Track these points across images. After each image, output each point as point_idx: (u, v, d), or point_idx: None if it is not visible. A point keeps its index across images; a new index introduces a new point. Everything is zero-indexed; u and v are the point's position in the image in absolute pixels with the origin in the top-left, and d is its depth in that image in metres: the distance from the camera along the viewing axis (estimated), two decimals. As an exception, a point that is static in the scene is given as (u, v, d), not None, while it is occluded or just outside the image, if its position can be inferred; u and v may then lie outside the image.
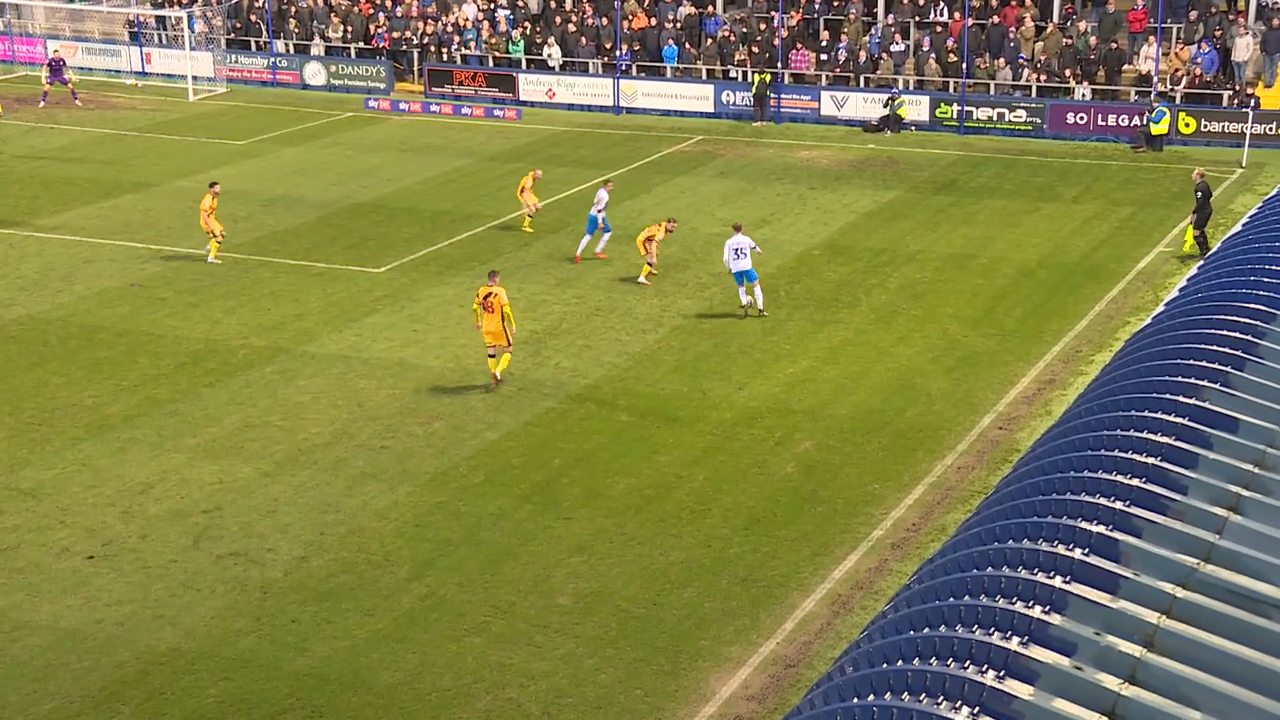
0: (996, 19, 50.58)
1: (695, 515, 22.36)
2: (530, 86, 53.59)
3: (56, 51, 55.38)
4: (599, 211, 34.70)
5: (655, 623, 19.32)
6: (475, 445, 24.82)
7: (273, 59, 57.05)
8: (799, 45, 52.53)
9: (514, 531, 21.86)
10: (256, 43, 58.08)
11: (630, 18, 54.38)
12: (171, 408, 26.11)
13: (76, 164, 43.83)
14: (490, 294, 26.54)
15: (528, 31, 55.04)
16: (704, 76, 53.15)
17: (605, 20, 54.51)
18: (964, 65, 49.48)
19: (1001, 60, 50.02)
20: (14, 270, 33.78)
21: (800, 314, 31.34)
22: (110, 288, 32.66)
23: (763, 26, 52.97)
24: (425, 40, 56.05)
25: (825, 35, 52.16)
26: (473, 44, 55.18)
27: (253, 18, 58.34)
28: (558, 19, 55.27)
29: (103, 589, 20.12)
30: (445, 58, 55.44)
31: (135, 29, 59.74)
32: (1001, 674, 7.93)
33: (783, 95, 51.19)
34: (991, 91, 49.91)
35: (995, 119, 48.75)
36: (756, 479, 23.60)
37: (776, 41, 51.87)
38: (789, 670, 18.25)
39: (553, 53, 53.97)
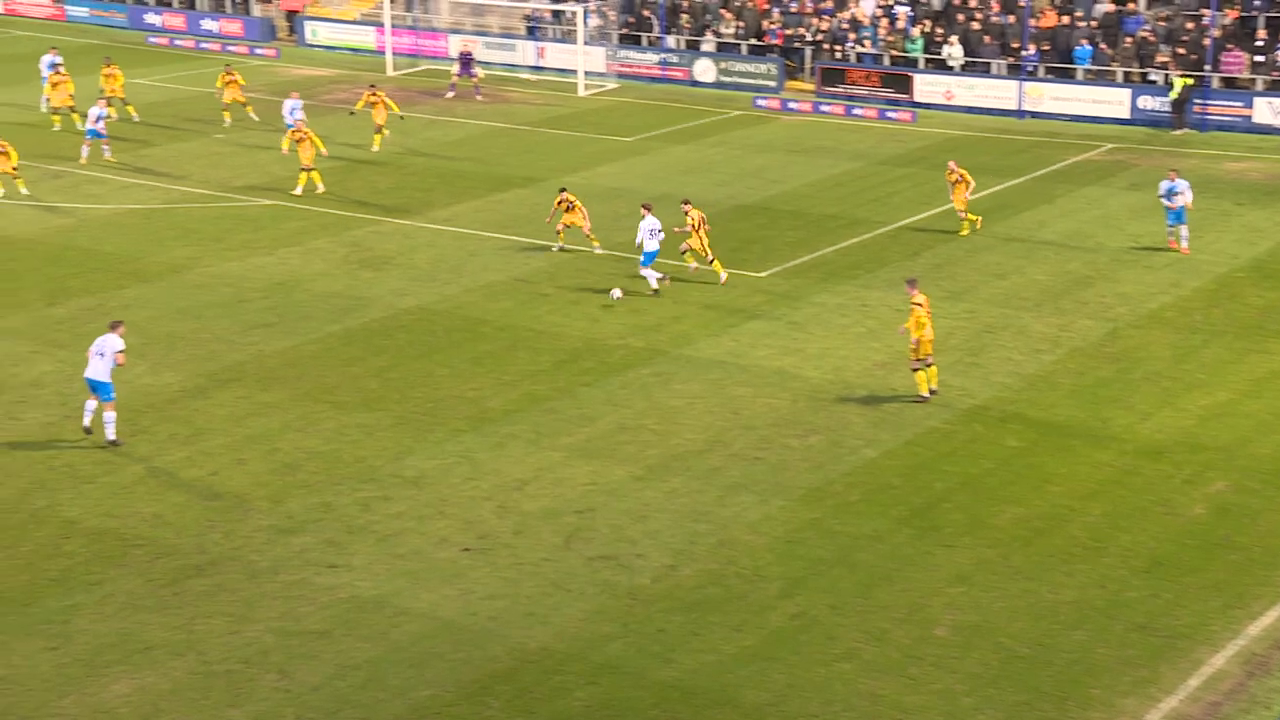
0: None
1: (1089, 553, 20.91)
2: (927, 87, 51.98)
3: (466, 45, 57.23)
4: None
5: (1041, 665, 18.26)
6: (853, 462, 23.91)
7: (663, 55, 57.47)
8: (1230, 45, 49.05)
9: (890, 555, 20.95)
10: (648, 38, 58.65)
11: (1039, 15, 52.00)
12: (549, 405, 26.19)
13: (469, 158, 45.05)
14: (917, 304, 25.91)
15: (928, 29, 53.40)
16: (1119, 80, 50.24)
17: (1012, 18, 52.33)
18: None
19: None
20: (408, 260, 34.86)
21: (1219, 341, 29.10)
22: (495, 281, 33.23)
23: (1190, 25, 49.64)
24: (819, 37, 55.25)
25: (1263, 35, 48.46)
26: (868, 42, 54.01)
27: (645, 13, 58.94)
28: (960, 16, 53.40)
29: (478, 582, 20.24)
30: (839, 55, 54.49)
31: (532, 23, 61.31)
32: None
33: (1209, 101, 47.90)
34: None
35: None
36: (1160, 518, 21.92)
37: (1206, 42, 48.53)
38: (1193, 735, 16.66)
39: (953, 52, 52.18)
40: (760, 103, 52.86)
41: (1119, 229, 36.76)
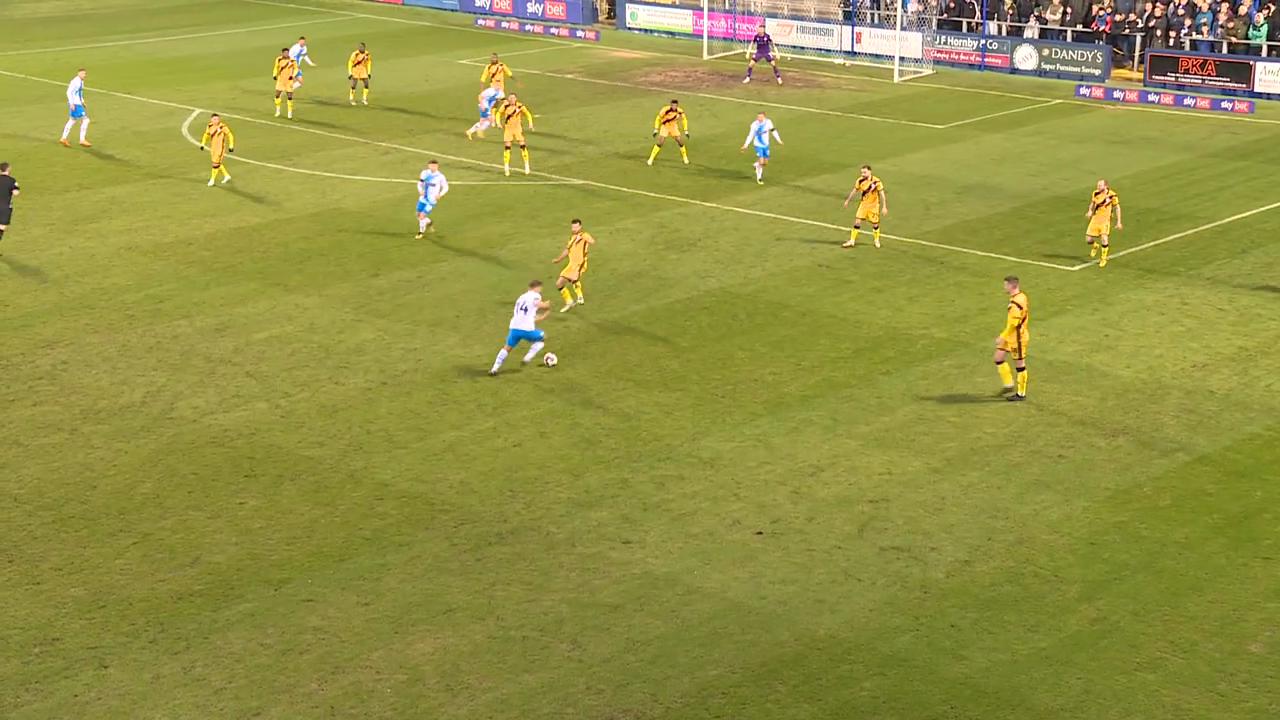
0: None
1: None
2: (1269, 76, 49.32)
3: (762, 27, 57.17)
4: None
5: (1363, 691, 17.11)
6: (1164, 466, 22.94)
7: (983, 41, 56.19)
8: None
9: (1201, 564, 20.07)
10: (968, 24, 57.44)
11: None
12: (847, 392, 25.98)
13: (814, 141, 44.82)
14: (1016, 303, 24.91)
15: (1274, 14, 50.54)
16: None
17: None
18: None
19: None
20: (713, 243, 35.08)
21: None
22: (799, 267, 33.15)
23: None
24: (1152, 24, 53.04)
25: None
26: (1206, 28, 51.54)
27: (967, -1, 57.77)
28: (1312, 0, 50.49)
29: (768, 565, 20.27)
30: (1172, 43, 52.20)
31: (850, 8, 60.81)
32: None
33: None
34: None
35: None
36: None
37: None
38: None
39: (1301, 38, 49.38)
40: (1083, 91, 51.13)
41: None
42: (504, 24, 67.56)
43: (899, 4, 55.89)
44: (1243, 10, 51.45)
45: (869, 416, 25.08)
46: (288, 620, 19.04)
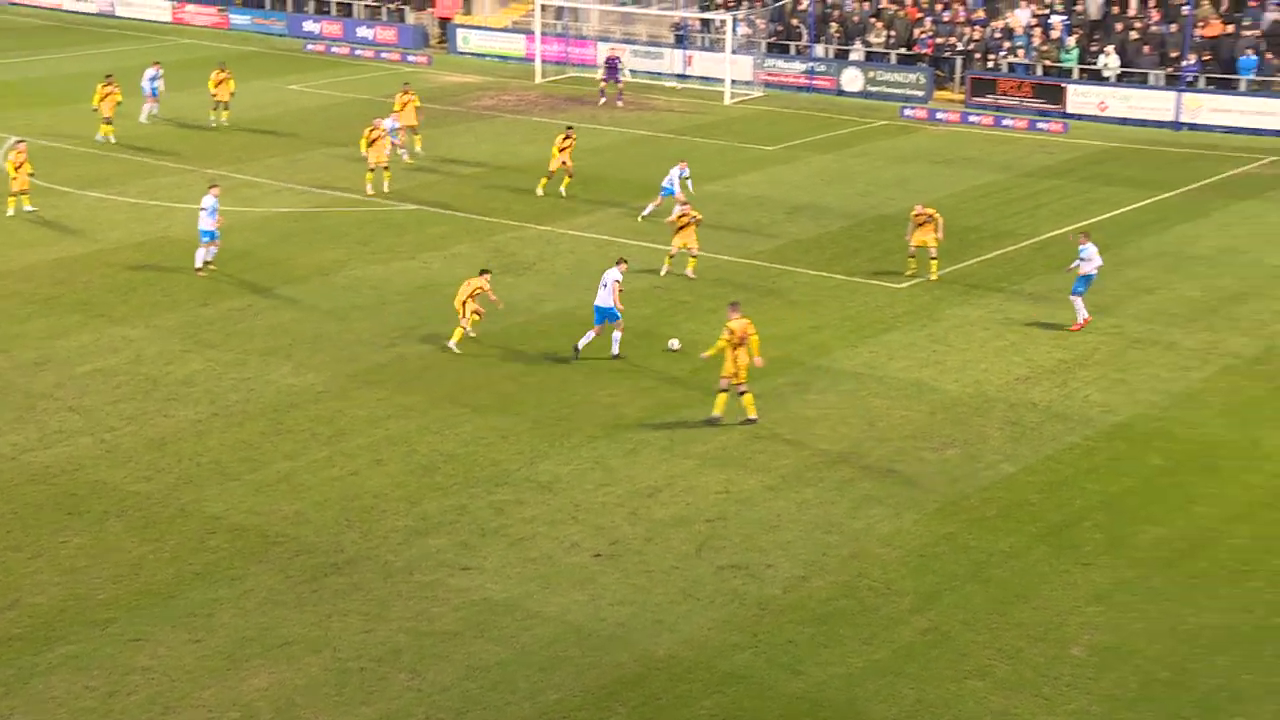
0: None
1: (1236, 576, 20.42)
2: (1080, 98, 51.03)
3: (613, 50, 57.40)
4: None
5: (1182, 689, 17.88)
6: (990, 477, 23.55)
7: (810, 63, 57.21)
8: None
9: (1026, 572, 20.64)
10: (796, 47, 58.43)
11: (1202, 24, 50.64)
12: (684, 413, 26.21)
13: (612, 165, 45.21)
14: (737, 329, 24.99)
15: (1083, 39, 52.35)
16: (1286, 90, 48.88)
17: (1174, 27, 51.06)
18: None
19: None
20: (549, 266, 35.13)
21: (1376, 361, 28.17)
22: (634, 289, 33.23)
23: (1365, 33, 48.12)
24: (971, 46, 54.52)
25: None
26: (1021, 51, 53.15)
27: (794, 21, 58.73)
28: (1119, 26, 52.31)
29: (607, 587, 20.33)
30: (991, 65, 53.72)
31: (680, 31, 61.44)
32: None
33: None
34: None
35: None
36: (1311, 543, 21.22)
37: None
38: (1340, 769, 16.10)
39: (1109, 62, 51.14)
40: (907, 112, 52.35)
41: (1277, 244, 35.68)
42: (334, 49, 66.91)
43: (728, 28, 56.66)
44: (1055, 34, 53.19)
45: (705, 436, 25.30)
46: (114, 661, 18.54)
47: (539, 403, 26.83)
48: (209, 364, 28.67)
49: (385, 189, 41.15)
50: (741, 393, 25.48)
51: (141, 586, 20.37)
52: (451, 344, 29.26)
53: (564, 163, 40.63)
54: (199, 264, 34.09)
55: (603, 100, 54.55)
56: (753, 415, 25.60)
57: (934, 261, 33.37)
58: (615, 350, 28.56)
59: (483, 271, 29.60)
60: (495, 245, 36.80)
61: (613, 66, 54.76)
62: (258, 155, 46.26)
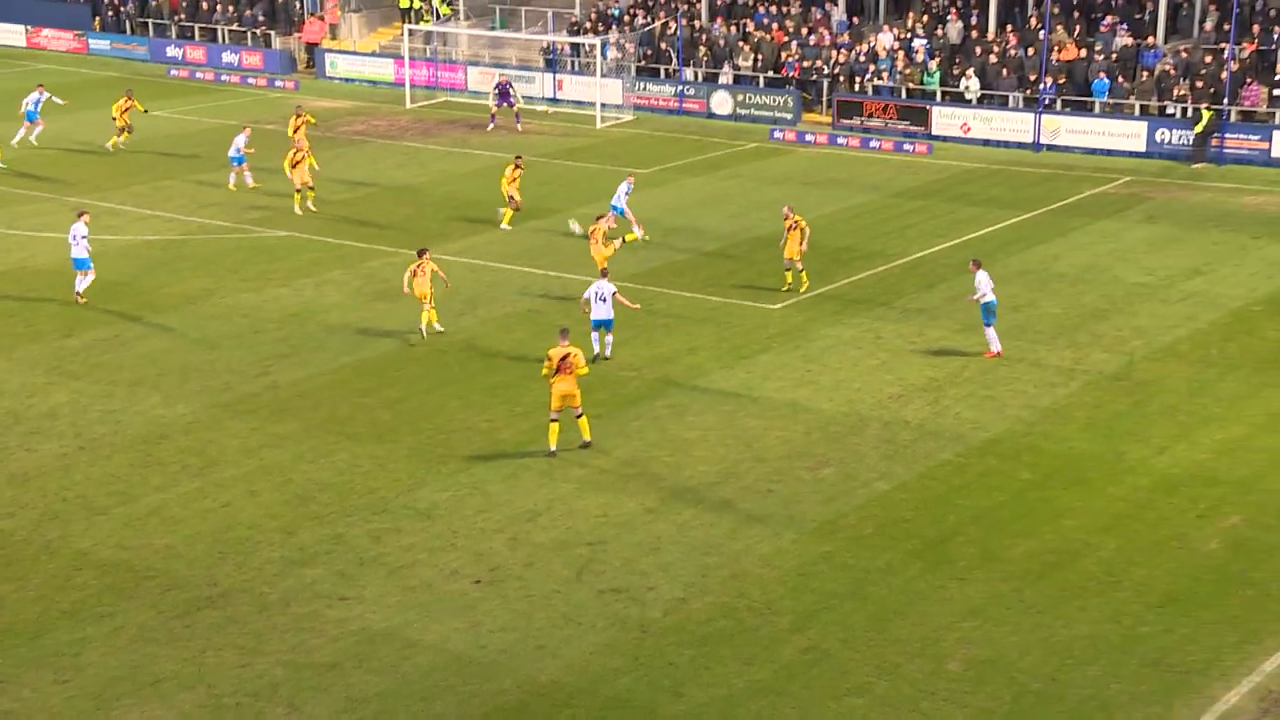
0: None
1: (1103, 587, 20.81)
2: (944, 120, 51.97)
3: (504, 75, 57.12)
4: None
5: (1053, 700, 18.15)
6: (866, 495, 23.83)
7: (680, 86, 57.61)
8: (1249, 79, 48.93)
9: (903, 589, 20.87)
10: (666, 70, 58.81)
11: (1058, 48, 51.93)
12: (562, 437, 26.15)
13: (485, 189, 45.05)
14: (568, 355, 24.99)
15: (944, 62, 53.38)
16: (1137, 113, 50.15)
17: (1031, 51, 52.27)
18: None
19: None
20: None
21: (1234, 375, 29.00)
22: (510, 313, 33.28)
23: (1208, 59, 49.50)
24: (836, 70, 55.29)
25: (1283, 69, 48.40)
26: (886, 74, 54.04)
27: (663, 45, 59.10)
28: (978, 50, 53.42)
29: (488, 614, 20.20)
30: (856, 88, 54.53)
31: (551, 55, 61.50)
32: None
33: (1228, 134, 47.75)
34: None
35: None
36: (1175, 553, 21.81)
37: (1224, 75, 48.40)
38: (1207, 773, 16.51)
39: (970, 85, 52.18)
40: (776, 135, 52.91)
41: (1134, 262, 36.66)
42: (198, 74, 65.92)
43: (598, 51, 56.85)
44: (918, 58, 54.18)
45: (584, 460, 25.27)
46: (-21, 705, 18.03)
47: (415, 429, 26.62)
48: (74, 396, 28.02)
49: (311, 207, 41.65)
50: (578, 416, 25.43)
51: (4, 627, 19.83)
52: (436, 326, 31.17)
53: (512, 196, 40.26)
54: (80, 289, 33.38)
55: (492, 126, 54.37)
56: (588, 438, 25.54)
57: (803, 273, 33.85)
58: (607, 352, 29.72)
59: (421, 252, 30.95)
60: (368, 271, 36.48)
61: (504, 92, 54.64)
62: (121, 183, 45.41)
